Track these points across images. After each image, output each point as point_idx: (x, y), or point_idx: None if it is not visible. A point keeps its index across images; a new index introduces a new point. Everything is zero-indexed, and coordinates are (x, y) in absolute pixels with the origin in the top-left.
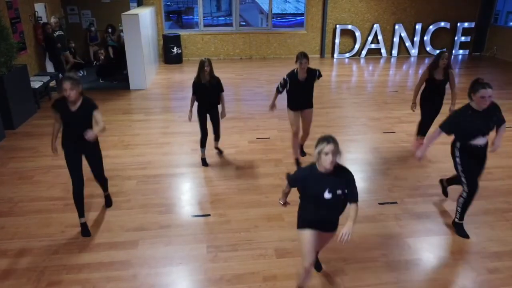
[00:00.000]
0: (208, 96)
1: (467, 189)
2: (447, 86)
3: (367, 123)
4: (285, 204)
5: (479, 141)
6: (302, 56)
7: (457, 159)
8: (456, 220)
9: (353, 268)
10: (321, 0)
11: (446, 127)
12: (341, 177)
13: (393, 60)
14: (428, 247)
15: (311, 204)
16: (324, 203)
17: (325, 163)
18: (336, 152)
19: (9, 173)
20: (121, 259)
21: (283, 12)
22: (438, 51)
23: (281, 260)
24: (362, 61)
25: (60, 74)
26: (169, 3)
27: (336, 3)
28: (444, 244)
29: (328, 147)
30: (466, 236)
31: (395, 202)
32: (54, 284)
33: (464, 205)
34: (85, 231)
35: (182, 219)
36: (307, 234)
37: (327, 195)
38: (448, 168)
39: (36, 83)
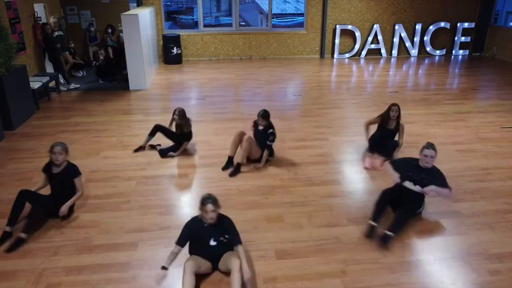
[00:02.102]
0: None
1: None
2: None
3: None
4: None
5: (410, 185)
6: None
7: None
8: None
9: (353, 270)
10: (321, 0)
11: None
12: (223, 225)
13: (393, 60)
14: (429, 248)
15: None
16: (211, 249)
17: (209, 218)
18: (216, 208)
19: (8, 174)
20: (120, 260)
21: (283, 12)
22: (390, 105)
23: (281, 261)
24: (362, 61)
25: (59, 75)
26: (168, 3)
27: (336, 3)
28: (445, 245)
29: (209, 207)
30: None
31: None
32: (53, 286)
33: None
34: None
35: (182, 220)
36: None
37: (212, 243)
38: (448, 169)
39: (35, 84)
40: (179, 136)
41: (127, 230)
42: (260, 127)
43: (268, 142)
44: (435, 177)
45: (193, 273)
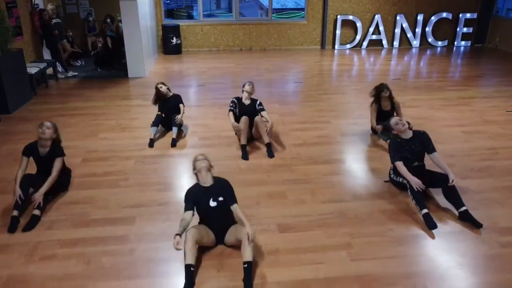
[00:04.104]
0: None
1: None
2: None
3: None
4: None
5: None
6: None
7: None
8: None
9: (359, 243)
10: None
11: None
12: (220, 185)
13: (394, 51)
14: (437, 222)
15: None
16: (212, 211)
17: (203, 177)
18: (208, 165)
19: (3, 155)
20: (117, 234)
21: (283, 7)
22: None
23: (284, 234)
24: (363, 52)
25: (57, 62)
26: (168, 1)
27: None
28: (453, 219)
29: (199, 164)
30: (434, 226)
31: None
32: (47, 258)
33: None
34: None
35: (181, 196)
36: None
37: (212, 203)
38: (454, 149)
39: (32, 69)
40: (170, 103)
41: (124, 206)
42: (247, 101)
43: (261, 108)
44: (424, 141)
45: (196, 243)
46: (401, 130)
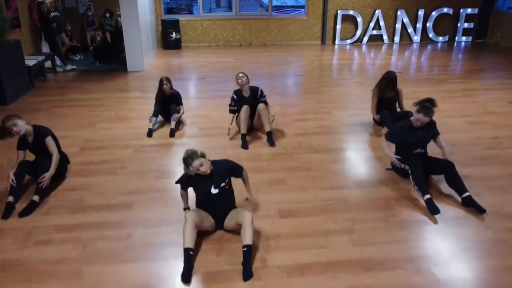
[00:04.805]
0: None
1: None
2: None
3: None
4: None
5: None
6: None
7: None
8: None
9: (361, 228)
10: None
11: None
12: (221, 169)
13: (395, 46)
14: (441, 208)
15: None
16: (214, 198)
17: (203, 173)
18: (204, 160)
19: (0, 144)
20: (114, 220)
21: (283, 5)
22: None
23: (285, 220)
24: (363, 47)
25: (55, 56)
26: (168, 0)
27: None
28: (457, 205)
29: (196, 164)
30: (437, 211)
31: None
32: (42, 243)
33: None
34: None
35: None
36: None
37: (214, 190)
38: (458, 139)
39: (30, 61)
40: (169, 99)
41: (122, 192)
42: (247, 93)
43: (263, 100)
44: (431, 127)
45: (195, 226)
46: (423, 122)
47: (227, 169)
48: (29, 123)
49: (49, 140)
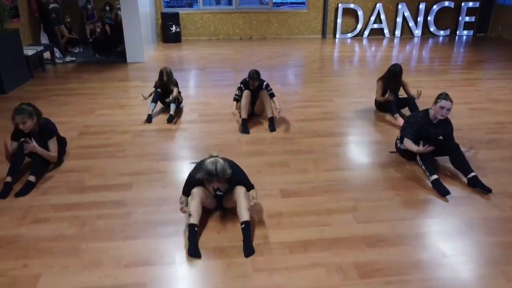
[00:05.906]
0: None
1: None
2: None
3: (373, 88)
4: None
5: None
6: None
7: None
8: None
9: (365, 206)
10: None
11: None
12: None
13: (396, 40)
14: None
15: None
16: (218, 197)
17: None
18: (224, 184)
19: None
20: (114, 199)
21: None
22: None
23: (287, 199)
24: (364, 41)
25: (55, 48)
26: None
27: None
28: (463, 186)
29: (215, 184)
30: (446, 192)
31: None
32: (40, 221)
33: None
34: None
35: (180, 165)
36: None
37: (219, 193)
38: (461, 124)
39: (29, 51)
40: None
41: (122, 174)
42: (252, 87)
43: (270, 92)
44: (448, 131)
45: (201, 202)
46: (442, 114)
47: (239, 183)
48: (40, 118)
49: (52, 142)
